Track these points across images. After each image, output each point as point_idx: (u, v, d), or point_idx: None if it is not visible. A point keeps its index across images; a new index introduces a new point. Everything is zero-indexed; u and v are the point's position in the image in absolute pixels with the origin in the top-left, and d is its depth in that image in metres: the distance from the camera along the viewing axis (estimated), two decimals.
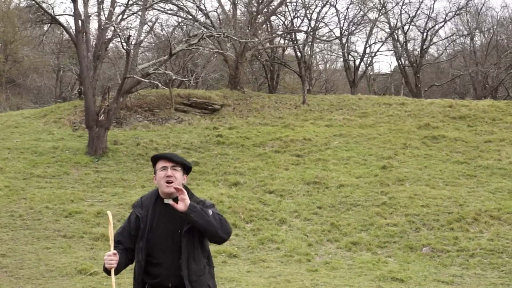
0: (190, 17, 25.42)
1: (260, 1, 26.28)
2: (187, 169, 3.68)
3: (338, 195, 13.27)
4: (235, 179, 14.64)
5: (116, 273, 3.53)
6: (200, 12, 25.92)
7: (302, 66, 27.12)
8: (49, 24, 19.96)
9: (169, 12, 25.50)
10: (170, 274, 3.51)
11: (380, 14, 31.99)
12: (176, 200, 3.48)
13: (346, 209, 12.52)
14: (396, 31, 32.97)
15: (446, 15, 32.59)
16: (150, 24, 23.31)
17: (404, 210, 12.07)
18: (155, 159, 3.68)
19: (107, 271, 3.50)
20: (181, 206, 3.37)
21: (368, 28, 32.72)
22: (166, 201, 3.59)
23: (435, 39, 34.20)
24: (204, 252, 3.65)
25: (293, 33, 29.73)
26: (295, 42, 29.64)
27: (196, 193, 3.75)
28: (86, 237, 10.64)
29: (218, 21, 26.02)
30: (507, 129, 18.63)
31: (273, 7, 27.49)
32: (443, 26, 38.47)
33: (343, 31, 31.67)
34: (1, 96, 30.67)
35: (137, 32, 18.55)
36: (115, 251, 3.49)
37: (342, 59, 33.72)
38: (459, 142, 17.25)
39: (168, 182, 3.54)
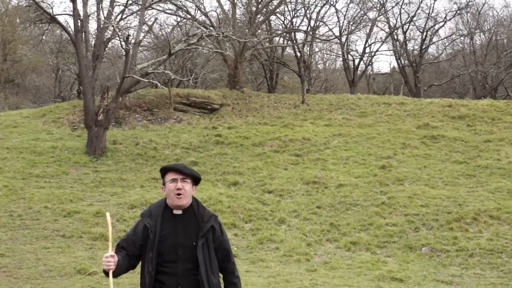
0: (189, 16, 25.39)
1: (260, 1, 26.26)
2: (196, 180, 3.69)
3: (337, 195, 13.27)
4: (234, 178, 14.63)
5: (116, 276, 3.48)
6: (199, 11, 25.93)
7: (301, 65, 27.09)
8: (48, 24, 19.94)
9: (168, 11, 25.50)
10: (181, 285, 3.50)
11: (380, 13, 31.97)
12: (186, 214, 3.58)
13: (345, 209, 12.52)
14: (396, 31, 32.96)
15: (446, 15, 32.63)
16: (149, 23, 23.29)
17: (403, 210, 12.07)
18: (164, 171, 3.67)
19: (106, 272, 3.45)
20: None
21: (368, 28, 32.75)
22: (175, 211, 3.60)
23: (434, 39, 34.22)
24: (217, 264, 3.65)
25: (292, 33, 29.70)
26: (294, 41, 29.62)
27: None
28: (85, 237, 10.64)
29: (217, 21, 26.00)
30: (506, 128, 18.63)
31: (272, 6, 27.48)
32: (443, 26, 38.47)
33: (342, 30, 31.69)
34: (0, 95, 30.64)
35: (136, 31, 18.54)
36: (113, 253, 3.44)
37: (341, 59, 33.71)
38: (459, 141, 17.25)
39: (178, 195, 3.55)
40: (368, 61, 34.46)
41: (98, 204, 12.41)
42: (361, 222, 11.76)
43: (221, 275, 3.67)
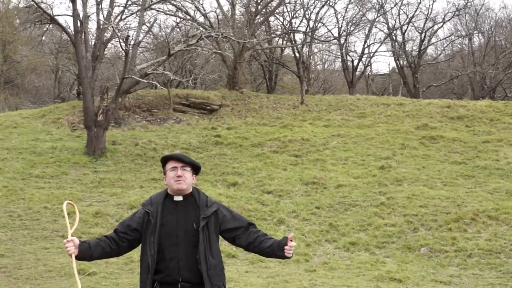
0: (189, 17, 25.40)
1: (259, 2, 26.28)
2: (196, 169, 3.78)
3: (336, 196, 13.29)
4: (234, 179, 14.64)
5: (90, 259, 3.65)
6: (198, 12, 25.94)
7: (300, 66, 27.11)
8: (47, 24, 19.95)
9: (167, 12, 25.50)
10: (181, 268, 3.58)
11: (379, 14, 32.03)
12: (187, 200, 3.67)
13: (344, 210, 12.54)
14: (395, 32, 32.99)
15: (445, 16, 32.66)
16: (148, 24, 23.30)
17: (402, 211, 12.09)
18: (164, 160, 3.77)
19: (78, 257, 3.58)
20: (289, 254, 3.70)
21: (367, 29, 32.79)
22: (176, 198, 3.69)
23: (433, 40, 34.26)
24: (219, 248, 3.76)
25: (291, 34, 29.72)
26: (293, 42, 29.63)
27: None
28: (84, 237, 10.63)
29: (217, 22, 26.01)
30: (505, 129, 18.66)
31: (271, 7, 27.49)
32: (441, 27, 38.51)
33: (341, 31, 31.72)
34: None
35: (135, 32, 18.56)
36: (71, 238, 3.56)
37: (340, 60, 33.75)
38: (457, 142, 17.27)
39: (178, 181, 3.65)
40: (367, 62, 34.53)
41: (98, 205, 12.42)
42: (360, 222, 11.79)
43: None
